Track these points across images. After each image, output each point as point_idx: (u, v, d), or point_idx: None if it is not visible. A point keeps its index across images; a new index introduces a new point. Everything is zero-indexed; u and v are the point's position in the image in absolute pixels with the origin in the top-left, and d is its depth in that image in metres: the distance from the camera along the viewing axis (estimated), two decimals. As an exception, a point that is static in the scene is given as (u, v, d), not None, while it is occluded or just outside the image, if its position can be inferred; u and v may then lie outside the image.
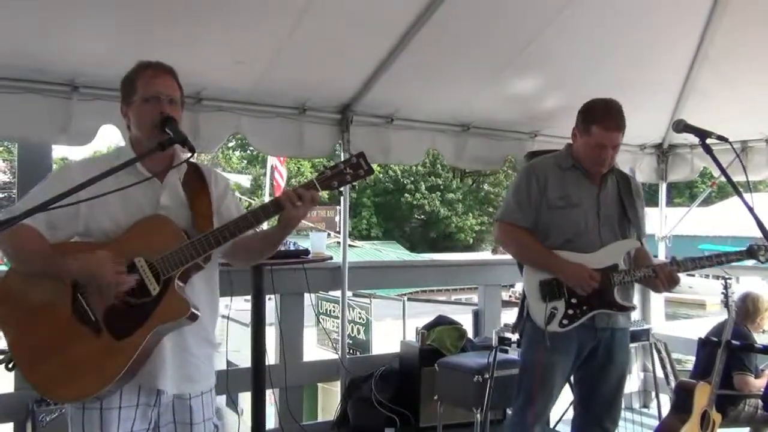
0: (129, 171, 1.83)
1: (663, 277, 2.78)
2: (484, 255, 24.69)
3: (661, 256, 5.83)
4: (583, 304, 2.77)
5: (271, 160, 13.79)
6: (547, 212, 2.85)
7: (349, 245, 4.83)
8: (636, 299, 5.66)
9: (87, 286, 1.82)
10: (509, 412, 4.16)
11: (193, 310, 1.87)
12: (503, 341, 3.99)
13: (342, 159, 1.99)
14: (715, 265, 2.89)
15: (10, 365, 1.85)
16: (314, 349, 8.51)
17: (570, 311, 2.77)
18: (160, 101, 1.94)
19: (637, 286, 5.54)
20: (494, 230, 3.03)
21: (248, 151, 29.30)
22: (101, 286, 1.80)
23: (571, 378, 3.04)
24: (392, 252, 19.46)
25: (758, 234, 2.66)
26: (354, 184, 1.98)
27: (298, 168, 26.08)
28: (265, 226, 2.09)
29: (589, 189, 2.88)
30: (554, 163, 2.93)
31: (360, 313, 9.78)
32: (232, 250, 2.03)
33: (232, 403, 4.32)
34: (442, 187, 28.76)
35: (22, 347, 1.85)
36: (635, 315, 5.43)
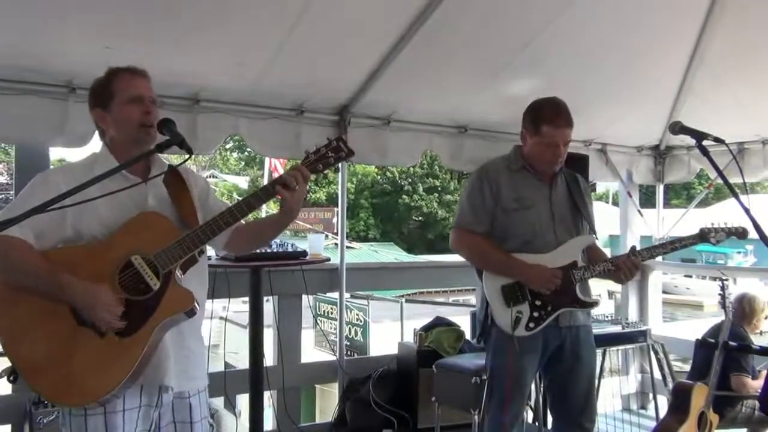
0: (114, 175, 1.83)
1: (626, 269, 2.81)
2: (482, 256, 24.56)
3: (658, 258, 5.84)
4: (547, 304, 2.78)
5: (272, 162, 13.79)
6: (503, 215, 2.85)
7: (347, 247, 4.84)
8: (633, 301, 5.68)
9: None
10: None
11: (196, 302, 1.87)
12: (501, 343, 3.98)
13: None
14: (670, 251, 2.95)
15: (12, 378, 1.83)
16: (312, 351, 8.50)
17: (535, 314, 2.77)
18: (144, 101, 1.96)
19: (634, 289, 5.62)
20: (450, 237, 2.98)
21: (246, 153, 29.29)
22: (97, 322, 1.80)
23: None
24: (390, 253, 19.45)
25: (755, 236, 2.67)
26: (338, 166, 2.03)
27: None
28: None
29: (541, 189, 2.89)
30: (504, 166, 2.94)
31: (358, 315, 9.78)
32: (232, 239, 2.07)
33: (230, 405, 4.32)
34: (439, 188, 28.75)
35: (25, 356, 1.81)
36: (633, 317, 5.47)
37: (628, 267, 2.81)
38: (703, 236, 2.92)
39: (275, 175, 13.58)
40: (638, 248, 2.90)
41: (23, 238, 1.81)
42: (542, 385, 3.94)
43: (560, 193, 2.92)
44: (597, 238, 3.00)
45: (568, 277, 2.78)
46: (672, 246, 2.92)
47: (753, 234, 2.67)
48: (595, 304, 2.90)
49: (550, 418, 4.30)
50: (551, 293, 2.76)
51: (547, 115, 2.81)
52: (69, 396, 1.81)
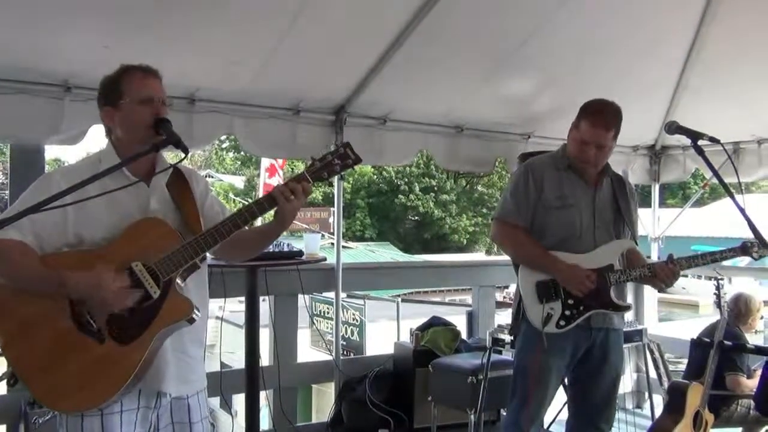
0: (115, 175, 1.81)
1: (663, 276, 2.80)
2: (478, 256, 24.73)
3: (654, 257, 5.85)
4: (579, 304, 2.78)
5: (270, 161, 13.76)
6: (543, 212, 2.86)
7: (343, 246, 4.83)
8: (629, 301, 5.67)
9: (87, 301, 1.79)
10: (503, 413, 4.17)
11: (196, 311, 1.85)
12: (497, 342, 3.99)
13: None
14: (709, 263, 2.91)
15: (12, 381, 1.82)
16: (308, 351, 8.50)
17: (567, 312, 2.77)
18: (154, 103, 1.93)
19: (630, 288, 5.62)
20: (492, 229, 3.01)
21: (242, 153, 29.23)
22: (105, 305, 1.77)
23: (565, 379, 3.05)
24: (386, 253, 19.43)
25: (750, 235, 2.68)
26: (343, 174, 1.98)
27: (292, 170, 26.06)
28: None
29: (585, 190, 2.89)
30: (551, 163, 2.94)
31: (354, 315, 9.78)
32: (224, 247, 1.99)
33: (226, 405, 4.32)
34: (436, 188, 28.74)
35: (24, 362, 1.80)
36: (629, 316, 5.47)
37: (666, 274, 2.81)
38: (745, 250, 2.88)
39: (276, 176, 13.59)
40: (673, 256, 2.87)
41: (21, 240, 1.79)
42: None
43: (605, 196, 2.92)
44: (638, 244, 2.99)
45: (604, 279, 2.79)
46: (712, 257, 2.89)
47: (748, 233, 2.68)
48: (628, 307, 2.92)
49: (547, 418, 4.32)
50: (585, 293, 2.76)
51: (589, 113, 2.81)
52: (67, 402, 1.81)
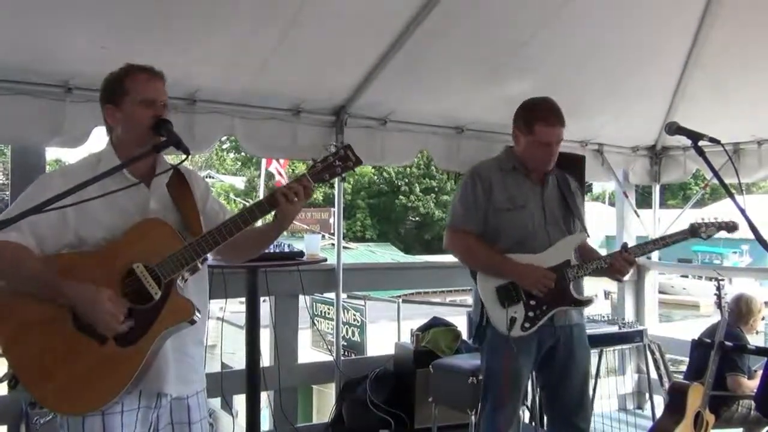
0: (114, 176, 1.81)
1: (619, 265, 2.82)
2: (479, 257, 24.54)
3: (655, 258, 5.86)
4: (542, 304, 2.77)
5: (272, 163, 13.77)
6: (494, 215, 2.85)
7: (344, 247, 4.84)
8: (630, 301, 5.69)
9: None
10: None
11: (197, 312, 1.86)
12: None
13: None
14: (662, 247, 2.99)
15: (12, 383, 1.81)
16: (309, 351, 8.51)
17: (530, 313, 2.77)
18: (156, 105, 1.94)
19: (630, 290, 5.63)
20: (444, 238, 2.98)
21: (242, 153, 29.23)
22: (97, 324, 1.77)
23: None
24: (386, 254, 19.46)
25: (750, 236, 2.68)
26: (344, 175, 1.99)
27: (293, 170, 26.04)
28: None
29: (533, 189, 2.90)
30: (496, 166, 2.94)
31: (354, 315, 9.78)
32: (224, 248, 1.99)
33: (227, 405, 4.31)
34: (436, 189, 28.75)
35: (25, 364, 1.80)
36: (629, 317, 5.47)
37: (620, 263, 2.83)
38: (694, 231, 2.94)
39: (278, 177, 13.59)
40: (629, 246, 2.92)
41: (22, 243, 1.79)
42: (538, 386, 3.95)
43: (552, 192, 2.93)
44: (588, 236, 3.01)
45: (562, 275, 2.79)
46: (663, 242, 2.95)
47: (748, 234, 2.68)
48: (589, 302, 2.92)
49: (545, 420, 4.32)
50: (545, 292, 2.76)
51: (541, 115, 2.82)
52: (69, 405, 1.81)
